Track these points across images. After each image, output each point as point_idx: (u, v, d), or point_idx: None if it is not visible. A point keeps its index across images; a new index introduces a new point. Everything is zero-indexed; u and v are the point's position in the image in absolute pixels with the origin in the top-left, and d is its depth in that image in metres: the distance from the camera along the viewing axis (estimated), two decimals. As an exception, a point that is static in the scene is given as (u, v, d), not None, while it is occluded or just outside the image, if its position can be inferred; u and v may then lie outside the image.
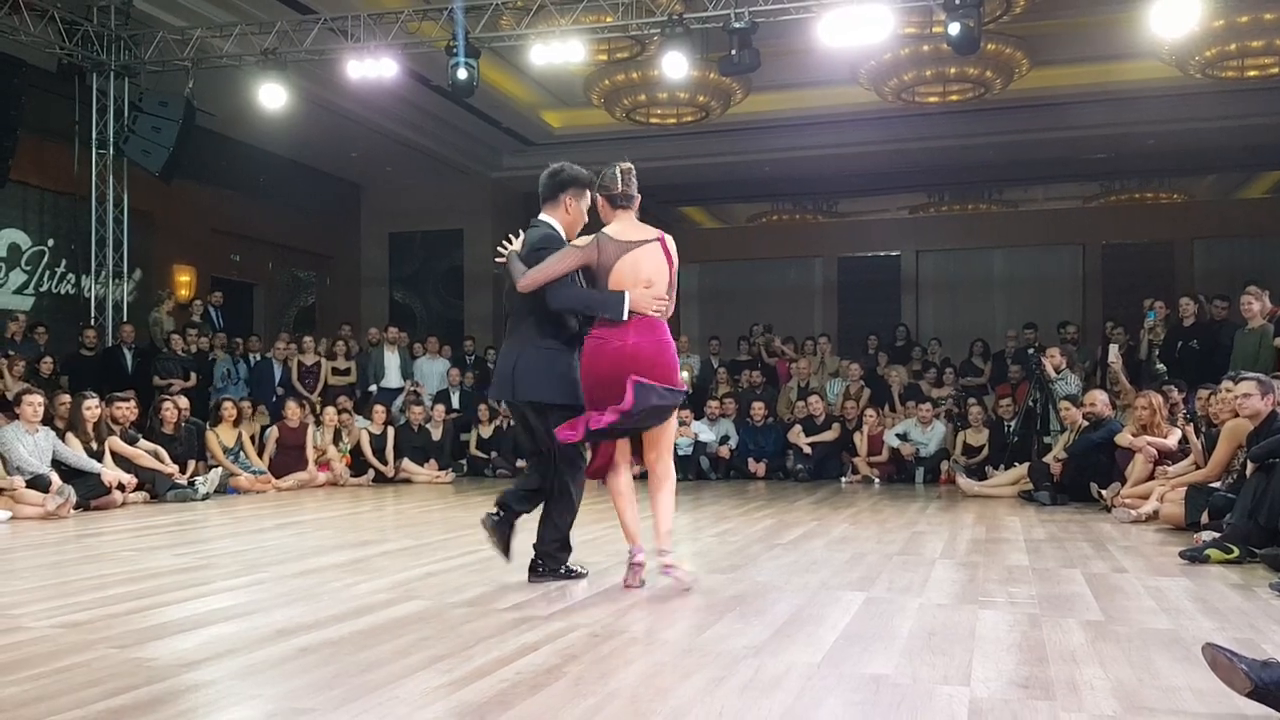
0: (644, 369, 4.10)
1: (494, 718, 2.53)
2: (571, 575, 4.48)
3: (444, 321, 16.88)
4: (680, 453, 11.46)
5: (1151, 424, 7.80)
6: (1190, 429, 7.28)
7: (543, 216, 4.44)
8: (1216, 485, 6.20)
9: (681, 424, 11.58)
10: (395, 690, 2.76)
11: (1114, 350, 10.39)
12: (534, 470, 4.50)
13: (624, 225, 4.25)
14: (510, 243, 4.38)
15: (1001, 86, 12.52)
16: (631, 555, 4.30)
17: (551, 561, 4.46)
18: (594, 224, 4.38)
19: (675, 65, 10.84)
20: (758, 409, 11.88)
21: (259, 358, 12.47)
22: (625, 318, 4.10)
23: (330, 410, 10.98)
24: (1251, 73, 11.85)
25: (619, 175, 4.27)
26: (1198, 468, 6.75)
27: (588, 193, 4.43)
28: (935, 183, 18.17)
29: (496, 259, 4.38)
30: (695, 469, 11.48)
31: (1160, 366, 10.03)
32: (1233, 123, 13.46)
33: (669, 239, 4.28)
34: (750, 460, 11.62)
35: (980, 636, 3.43)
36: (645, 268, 4.18)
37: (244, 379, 11.99)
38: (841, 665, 3.04)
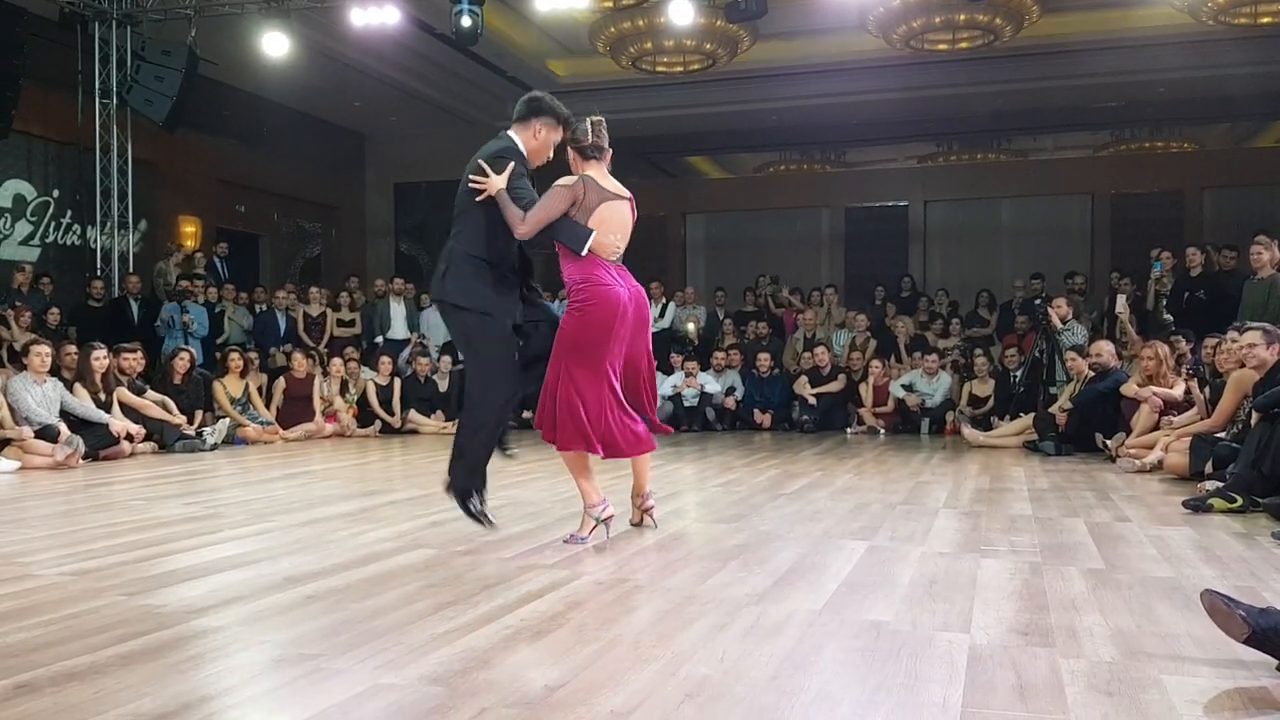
0: (644, 316, 4.31)
1: (498, 663, 2.57)
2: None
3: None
4: (686, 404, 11.51)
5: (1157, 374, 7.79)
6: (1194, 383, 7.27)
7: (510, 133, 4.35)
8: (1221, 435, 6.20)
9: (688, 375, 11.60)
10: (401, 636, 2.79)
11: (1121, 300, 10.35)
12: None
13: (600, 176, 4.22)
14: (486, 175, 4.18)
15: (1011, 34, 12.34)
16: (604, 509, 4.27)
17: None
18: (558, 170, 4.32)
19: (682, 12, 10.71)
20: (763, 360, 11.89)
21: (263, 308, 12.49)
22: (584, 253, 4.10)
23: (337, 361, 11.02)
24: (1265, 19, 11.66)
25: (589, 127, 4.24)
26: (1203, 418, 6.75)
27: (561, 130, 4.34)
28: (943, 132, 17.99)
29: (473, 184, 4.16)
30: (701, 420, 11.51)
31: (1167, 317, 10.00)
32: (1245, 70, 13.26)
33: (633, 202, 4.32)
34: (756, 411, 11.64)
35: (981, 584, 3.45)
36: (617, 220, 4.20)
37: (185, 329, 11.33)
38: (842, 612, 3.07)
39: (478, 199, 4.17)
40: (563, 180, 4.18)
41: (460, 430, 4.35)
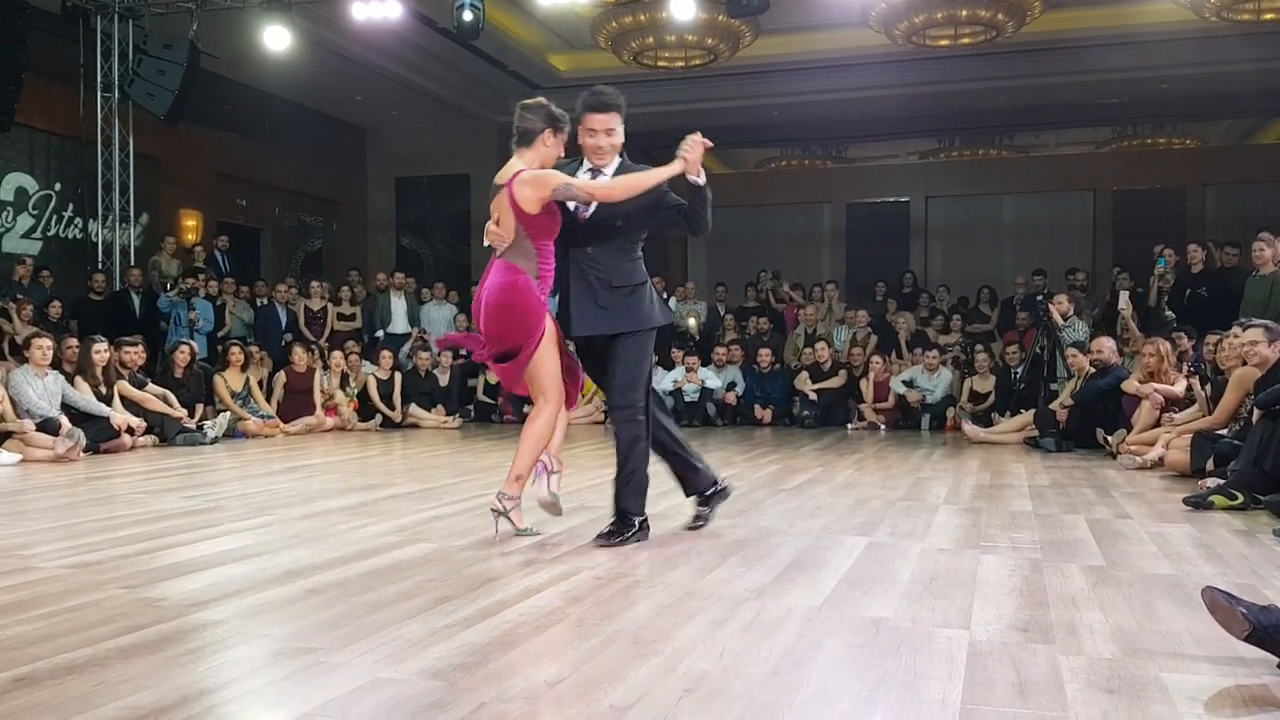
0: (480, 312, 4.15)
1: (497, 658, 2.56)
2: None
3: (450, 267, 16.84)
4: (687, 399, 11.51)
5: (1159, 371, 7.78)
6: (1195, 380, 7.26)
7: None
8: (1223, 432, 6.20)
9: (688, 370, 11.61)
10: (400, 630, 2.79)
11: (1124, 297, 10.34)
12: None
13: (508, 164, 4.15)
14: None
15: (1013, 29, 12.32)
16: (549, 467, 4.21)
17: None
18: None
19: (683, 7, 10.69)
20: (764, 355, 11.88)
21: (264, 302, 12.50)
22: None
23: (337, 355, 11.01)
24: (1268, 15, 11.64)
25: (516, 110, 4.23)
26: (1204, 415, 6.74)
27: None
28: (945, 128, 17.95)
29: None
30: (702, 415, 11.51)
31: (1169, 313, 9.99)
32: (1248, 66, 13.24)
33: (519, 183, 4.01)
34: (756, 406, 11.64)
35: (981, 581, 3.45)
36: (494, 210, 4.18)
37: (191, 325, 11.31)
38: (842, 608, 3.07)
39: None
40: None
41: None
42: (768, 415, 11.57)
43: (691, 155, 4.05)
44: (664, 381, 11.68)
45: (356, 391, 10.96)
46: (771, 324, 13.09)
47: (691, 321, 13.27)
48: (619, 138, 4.18)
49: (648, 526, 4.20)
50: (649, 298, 4.22)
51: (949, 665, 2.52)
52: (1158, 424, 7.40)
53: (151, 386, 8.98)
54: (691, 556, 3.87)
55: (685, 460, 4.48)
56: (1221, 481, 5.34)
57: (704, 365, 11.84)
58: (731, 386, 11.76)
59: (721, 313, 13.60)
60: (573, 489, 5.78)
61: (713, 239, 18.79)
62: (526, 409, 4.52)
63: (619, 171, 4.17)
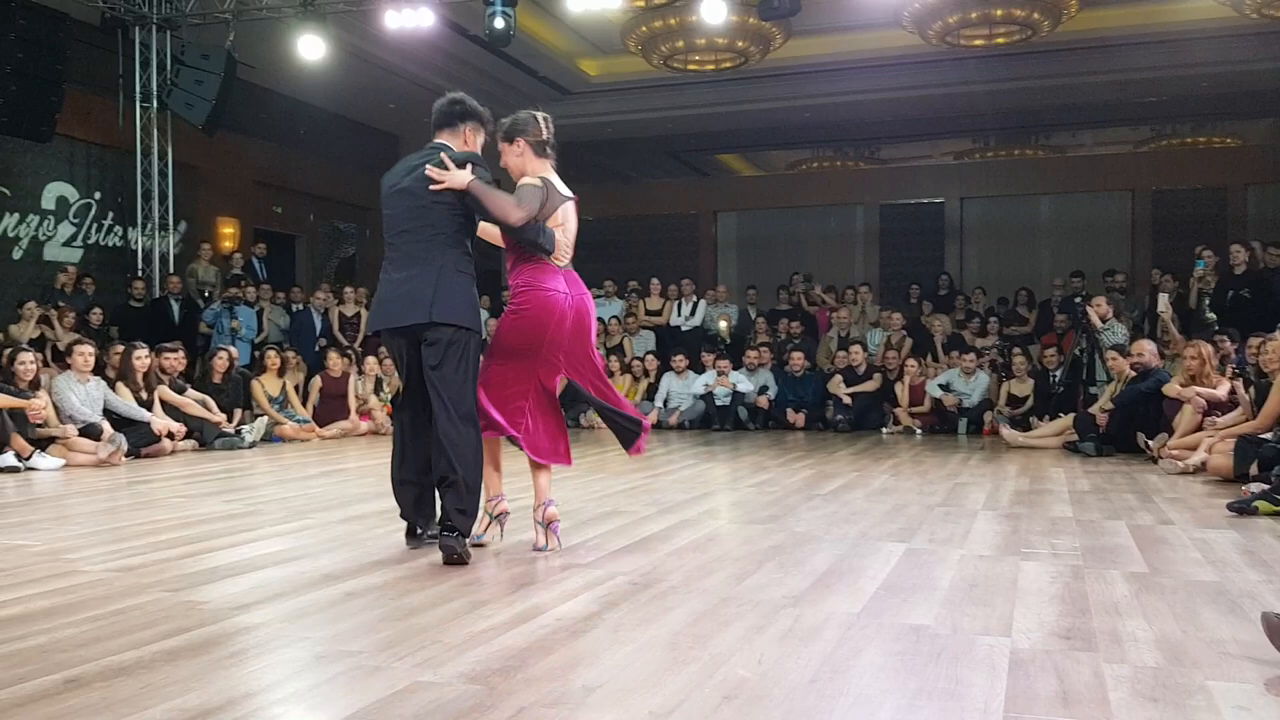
0: (587, 323, 4.16)
1: (534, 662, 2.57)
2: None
3: (481, 272, 16.79)
4: (718, 402, 11.47)
5: (1201, 374, 7.66)
6: (1239, 384, 7.14)
7: (441, 141, 4.13)
8: (1267, 436, 6.10)
9: (720, 374, 11.58)
10: (439, 634, 2.81)
11: (1164, 299, 10.21)
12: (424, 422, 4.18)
13: (553, 175, 4.11)
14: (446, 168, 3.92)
15: (1049, 28, 12.20)
16: (496, 504, 4.24)
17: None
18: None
19: (714, 10, 10.67)
20: (796, 358, 11.83)
21: (299, 308, 12.61)
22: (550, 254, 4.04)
23: (371, 360, 11.10)
24: (1310, 11, 11.46)
25: (543, 122, 4.13)
26: (1248, 419, 6.64)
27: (483, 132, 4.22)
28: (980, 128, 17.81)
29: (436, 186, 3.89)
30: (733, 419, 11.47)
31: (1210, 315, 9.85)
32: (1290, 64, 13.06)
33: (577, 203, 4.20)
34: (789, 410, 11.59)
35: (1022, 588, 3.42)
36: (571, 223, 4.12)
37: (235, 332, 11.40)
38: (881, 615, 3.05)
39: (434, 188, 3.89)
40: (530, 180, 4.03)
41: (462, 464, 3.91)
42: (800, 419, 11.51)
43: None
44: (695, 385, 11.66)
45: (390, 396, 11.03)
46: (804, 327, 13.03)
47: (723, 324, 13.23)
48: None
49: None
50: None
51: (991, 673, 2.50)
52: (1200, 428, 7.29)
53: (191, 392, 9.08)
54: (726, 562, 3.86)
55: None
56: (1266, 487, 5.25)
57: (735, 368, 11.79)
58: (764, 390, 11.71)
59: (753, 315, 13.56)
60: (605, 493, 5.81)
61: (744, 241, 18.89)
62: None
63: None
